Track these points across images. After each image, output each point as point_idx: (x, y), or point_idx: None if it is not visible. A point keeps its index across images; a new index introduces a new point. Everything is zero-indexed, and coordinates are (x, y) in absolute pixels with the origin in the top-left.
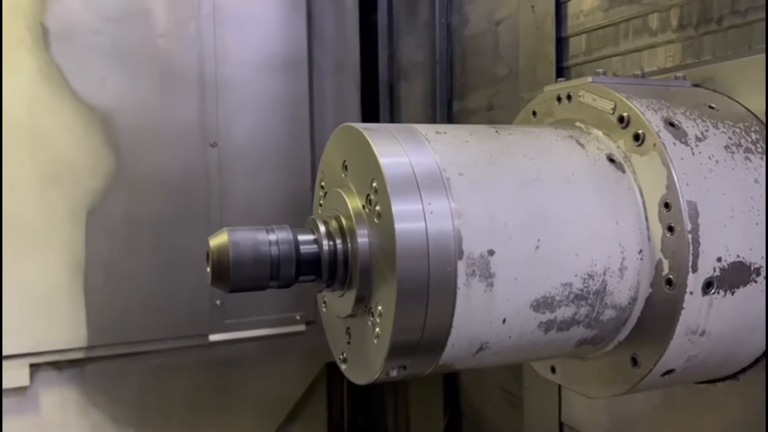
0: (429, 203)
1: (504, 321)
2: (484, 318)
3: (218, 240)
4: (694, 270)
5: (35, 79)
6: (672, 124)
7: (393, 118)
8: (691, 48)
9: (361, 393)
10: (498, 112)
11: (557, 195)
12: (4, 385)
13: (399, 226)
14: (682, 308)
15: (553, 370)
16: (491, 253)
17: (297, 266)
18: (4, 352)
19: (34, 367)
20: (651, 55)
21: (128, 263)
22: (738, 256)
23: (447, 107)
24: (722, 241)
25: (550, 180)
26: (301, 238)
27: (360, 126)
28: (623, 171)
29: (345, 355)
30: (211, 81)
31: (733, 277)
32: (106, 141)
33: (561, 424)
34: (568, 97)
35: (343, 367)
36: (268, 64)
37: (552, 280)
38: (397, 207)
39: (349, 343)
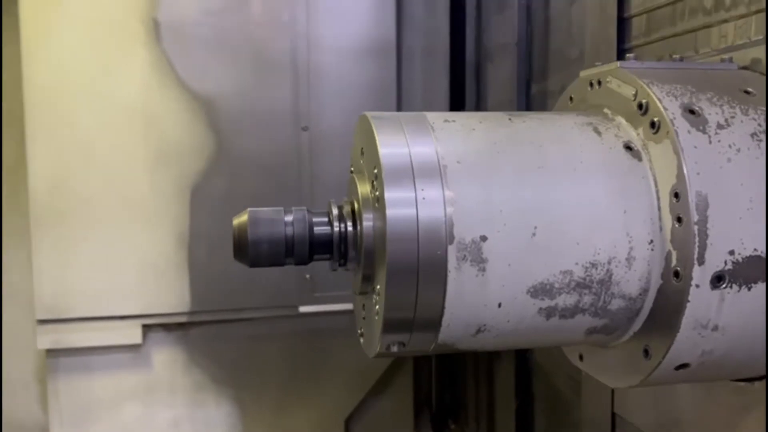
0: (422, 190)
1: (500, 305)
2: (478, 301)
3: (240, 219)
4: (701, 263)
5: (147, 70)
6: (692, 111)
7: (479, 101)
8: (742, 28)
9: (447, 369)
10: None
11: (560, 183)
12: (121, 342)
13: (390, 212)
14: (688, 301)
15: (581, 357)
16: (483, 239)
17: (310, 246)
18: (121, 312)
19: (146, 328)
20: (705, 35)
21: (227, 237)
22: (755, 249)
23: (525, 90)
24: (736, 234)
25: (554, 168)
26: (316, 219)
27: (371, 115)
28: (640, 159)
29: (362, 329)
30: (304, 67)
31: (750, 271)
32: (208, 125)
33: (613, 414)
34: (599, 83)
35: (361, 340)
36: (359, 49)
37: (550, 268)
38: (390, 194)
39: (364, 318)
